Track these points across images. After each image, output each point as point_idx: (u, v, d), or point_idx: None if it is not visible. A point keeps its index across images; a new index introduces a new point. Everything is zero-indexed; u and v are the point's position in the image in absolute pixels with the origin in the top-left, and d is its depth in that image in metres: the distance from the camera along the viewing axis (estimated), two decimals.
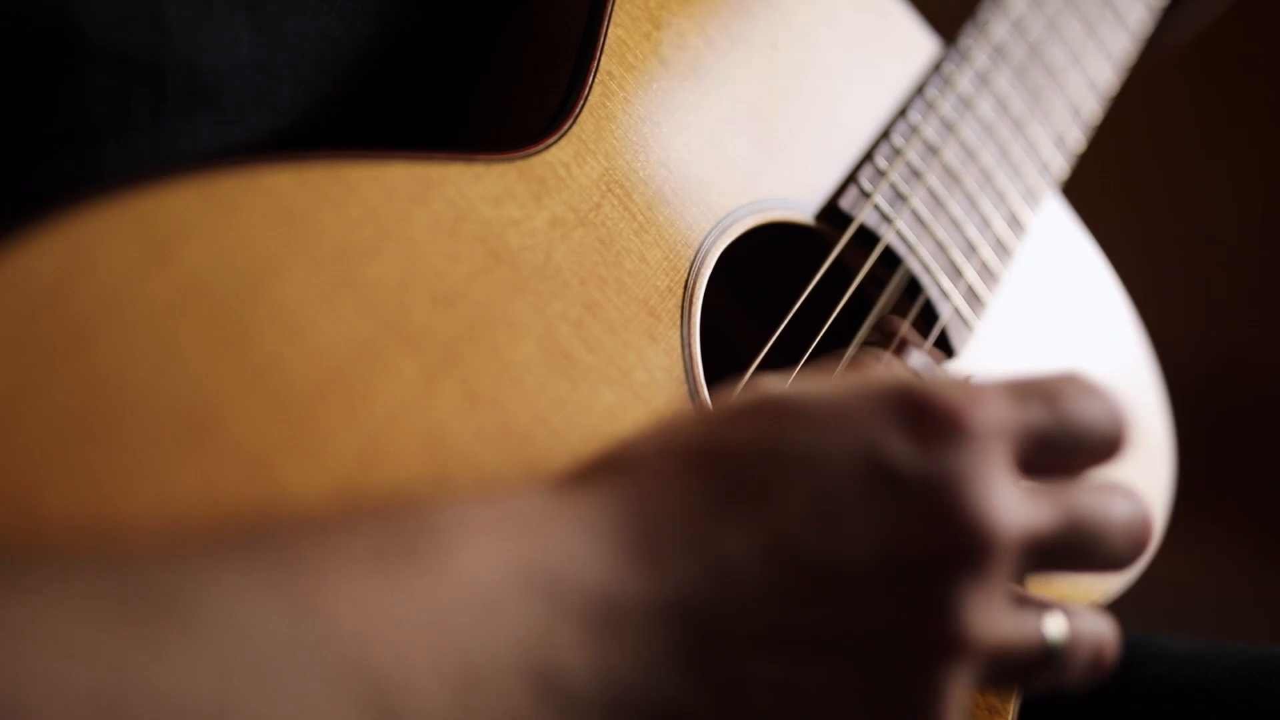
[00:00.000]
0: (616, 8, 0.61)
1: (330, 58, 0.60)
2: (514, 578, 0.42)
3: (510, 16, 0.66)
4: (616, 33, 0.61)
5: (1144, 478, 0.73)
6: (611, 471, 0.47)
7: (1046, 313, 0.73)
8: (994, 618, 0.45)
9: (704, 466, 0.46)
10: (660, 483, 0.46)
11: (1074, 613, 0.49)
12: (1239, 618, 1.82)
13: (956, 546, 0.45)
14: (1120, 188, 2.05)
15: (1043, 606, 0.48)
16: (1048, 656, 0.48)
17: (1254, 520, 1.98)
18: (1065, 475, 0.50)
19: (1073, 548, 0.48)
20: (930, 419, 0.46)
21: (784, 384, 0.49)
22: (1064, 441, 0.49)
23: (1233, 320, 2.06)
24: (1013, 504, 0.46)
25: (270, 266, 0.49)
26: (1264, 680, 0.68)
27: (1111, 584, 0.68)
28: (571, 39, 0.61)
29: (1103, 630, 0.50)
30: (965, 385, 0.47)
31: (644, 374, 0.56)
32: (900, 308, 0.65)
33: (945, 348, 0.66)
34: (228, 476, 0.46)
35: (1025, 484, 0.47)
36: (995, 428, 0.46)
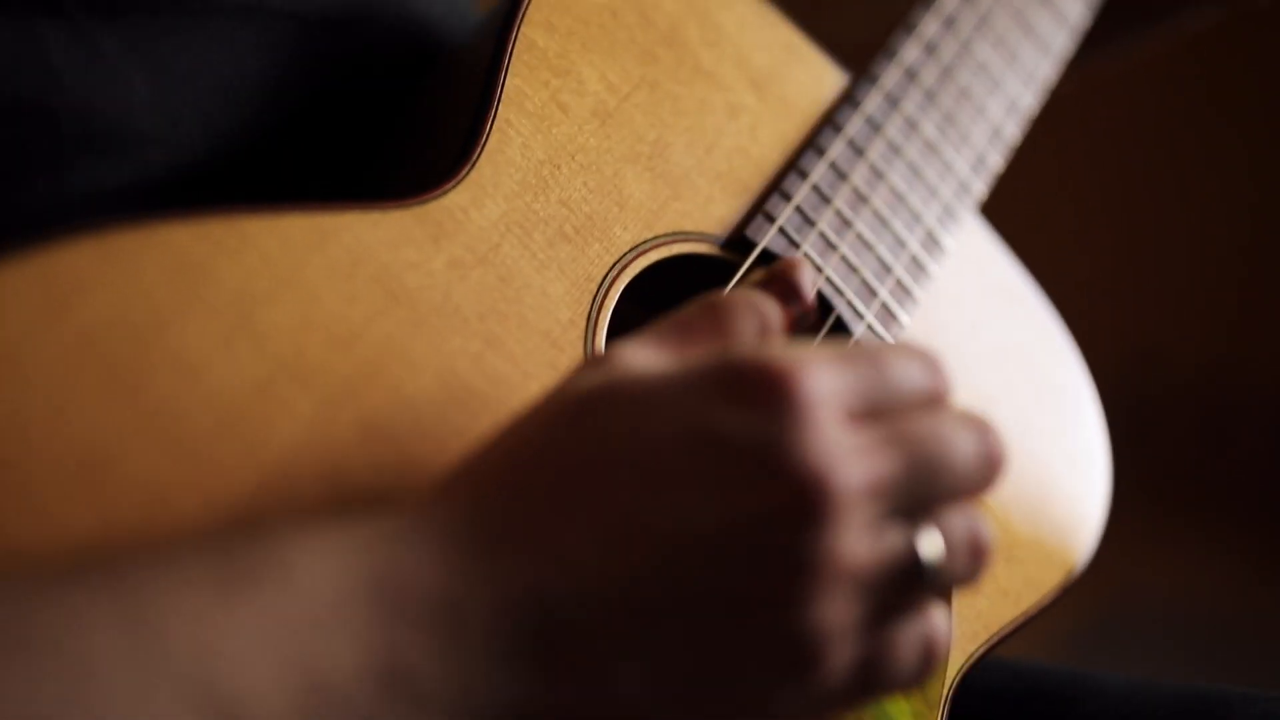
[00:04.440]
0: (514, 58, 0.64)
1: (227, 96, 0.63)
2: (356, 590, 0.44)
3: (417, 66, 0.69)
4: (514, 82, 0.64)
5: (1082, 488, 0.74)
6: (451, 480, 0.49)
7: (970, 332, 0.74)
8: (850, 559, 0.46)
9: (536, 464, 0.48)
10: (494, 484, 0.48)
11: (945, 519, 0.49)
12: (1231, 626, 1.80)
13: (793, 499, 0.45)
14: (1111, 195, 2.05)
15: (912, 525, 0.48)
16: (925, 572, 0.48)
17: (1249, 529, 1.96)
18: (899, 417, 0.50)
19: (923, 481, 0.48)
20: (755, 385, 0.46)
21: (630, 354, 0.51)
22: (890, 401, 0.49)
23: (1226, 328, 2.05)
24: (845, 451, 0.46)
25: (167, 316, 0.52)
26: (1200, 718, 0.68)
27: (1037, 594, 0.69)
28: (473, 90, 0.64)
29: (974, 524, 0.50)
30: (793, 350, 0.48)
31: None
32: (814, 328, 0.67)
33: None
34: (124, 513, 0.49)
35: (863, 433, 0.48)
36: (822, 390, 0.47)
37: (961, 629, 0.67)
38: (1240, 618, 1.81)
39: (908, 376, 0.50)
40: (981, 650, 0.67)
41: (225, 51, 0.62)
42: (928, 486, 0.49)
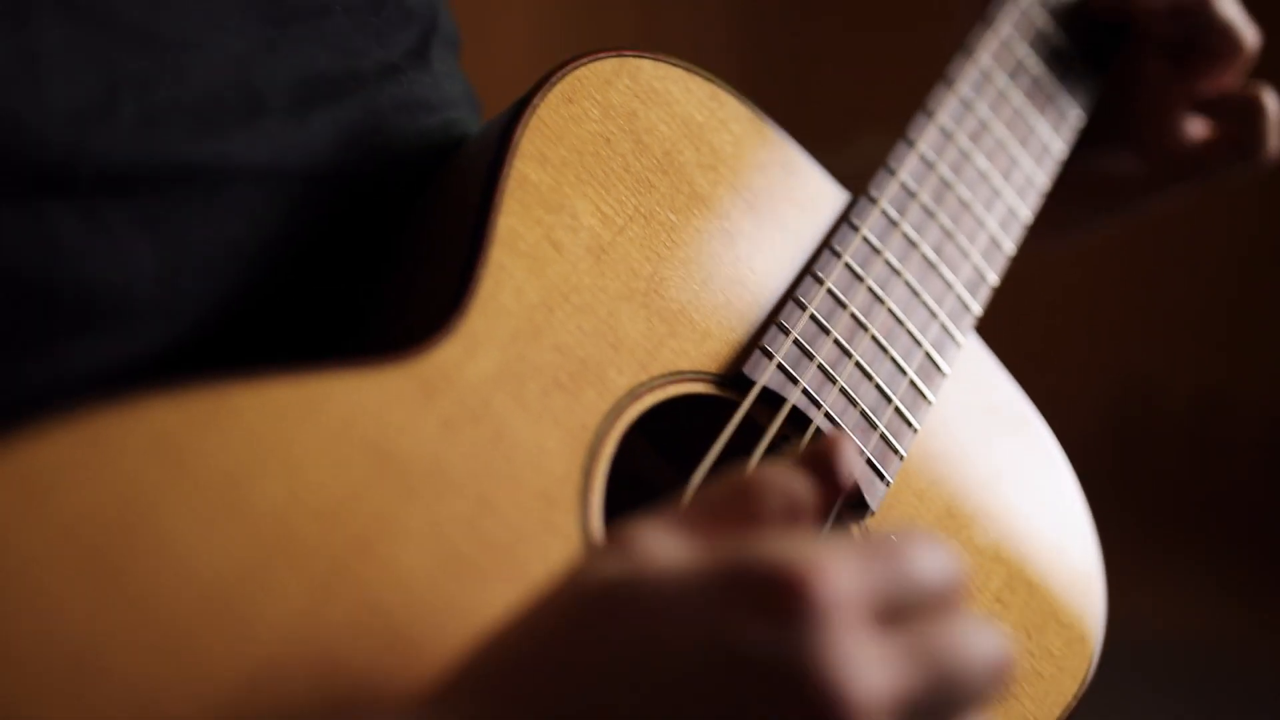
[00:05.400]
0: (507, 196, 0.62)
1: (235, 263, 0.61)
2: None
3: (413, 211, 0.67)
4: (508, 221, 0.62)
5: (1080, 612, 0.72)
6: (455, 682, 0.48)
7: (968, 458, 0.73)
8: None
9: (547, 667, 0.47)
10: (502, 688, 0.46)
11: None
12: (1222, 658, 1.81)
13: (813, 717, 0.44)
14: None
15: None
16: None
17: (1239, 558, 1.96)
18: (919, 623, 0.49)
19: (944, 693, 0.47)
20: (771, 592, 0.45)
21: (652, 541, 0.49)
22: (910, 601, 0.48)
23: (1217, 357, 2.05)
24: (872, 670, 0.45)
25: (149, 500, 0.50)
26: None
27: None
28: (464, 228, 0.62)
29: None
30: (810, 548, 0.46)
31: (541, 566, 0.56)
32: None
33: (860, 504, 0.66)
34: (112, 716, 0.47)
35: (884, 642, 0.46)
36: (841, 594, 0.45)
37: None
38: (1230, 649, 1.82)
39: (927, 573, 0.49)
40: None
41: (238, 219, 0.60)
42: (947, 698, 0.48)
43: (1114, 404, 2.02)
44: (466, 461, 0.57)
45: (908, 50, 2.00)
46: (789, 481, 0.51)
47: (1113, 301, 2.06)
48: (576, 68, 0.66)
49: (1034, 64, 0.84)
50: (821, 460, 0.52)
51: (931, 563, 0.49)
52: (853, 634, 0.45)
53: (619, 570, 0.48)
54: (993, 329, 0.77)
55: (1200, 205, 2.00)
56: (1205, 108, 0.87)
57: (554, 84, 0.66)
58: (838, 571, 0.46)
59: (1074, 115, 0.84)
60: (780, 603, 0.45)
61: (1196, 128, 0.88)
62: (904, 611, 0.48)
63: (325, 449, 0.54)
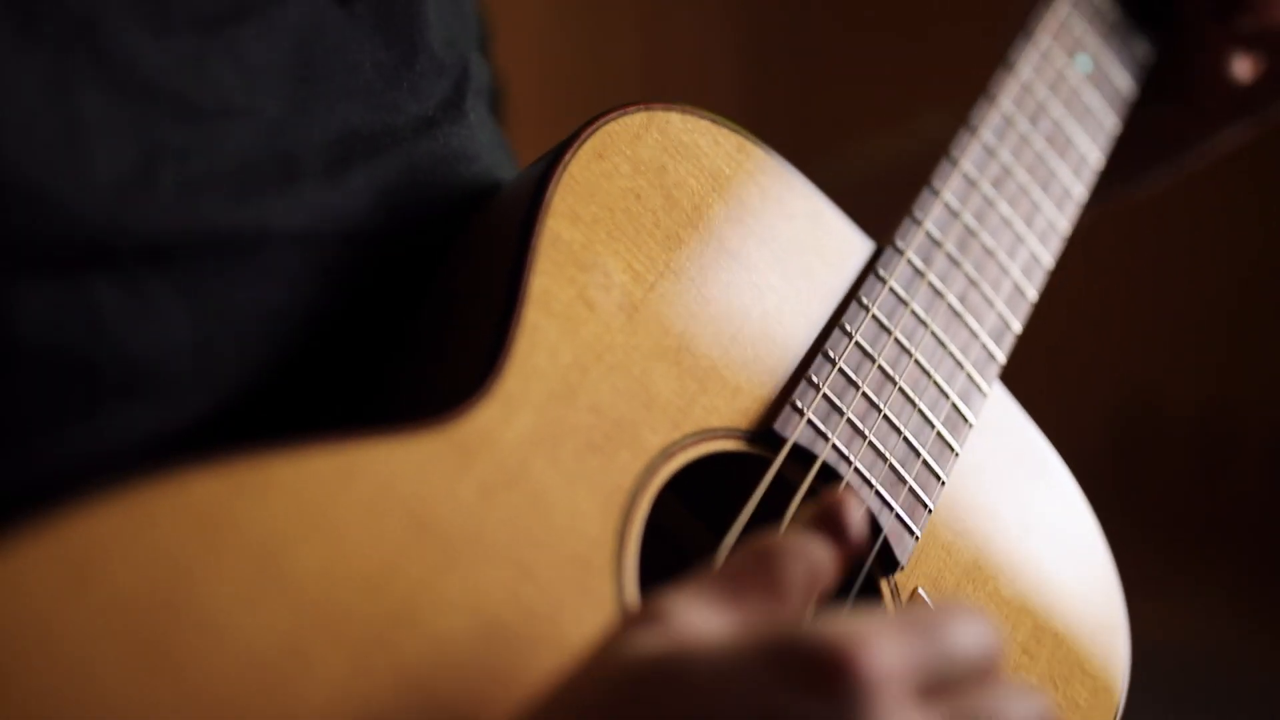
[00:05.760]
0: (540, 255, 0.62)
1: (273, 329, 0.61)
2: None
3: (443, 265, 0.67)
4: (541, 281, 0.62)
5: (1107, 658, 0.73)
6: None
7: (995, 508, 0.73)
8: None
9: None
10: None
11: None
12: (1225, 672, 1.81)
13: None
14: (1106, 232, 2.05)
15: None
16: None
17: (1246, 570, 1.97)
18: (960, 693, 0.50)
19: None
20: (819, 670, 0.47)
21: (683, 612, 0.50)
22: (949, 672, 0.50)
23: (1222, 367, 2.05)
24: None
25: (192, 576, 0.50)
26: None
27: None
28: (497, 289, 0.62)
29: None
30: (852, 625, 0.48)
31: (578, 632, 0.57)
32: None
33: (889, 559, 0.66)
34: None
35: (928, 713, 0.48)
36: (885, 669, 0.47)
37: None
38: (1234, 658, 1.82)
39: (964, 644, 0.50)
40: None
41: (275, 285, 0.60)
42: None
43: (1118, 413, 2.02)
44: (504, 527, 0.57)
45: (910, 54, 2.00)
46: (807, 548, 0.52)
47: (1117, 311, 2.06)
48: (606, 122, 0.66)
49: (1055, 107, 0.84)
50: (830, 521, 0.53)
51: (970, 634, 0.50)
52: (900, 708, 0.47)
53: (659, 645, 0.49)
54: None
55: (1203, 214, 2.00)
56: (1250, 44, 0.87)
57: (585, 140, 0.65)
58: (880, 647, 0.47)
59: (1094, 158, 0.84)
60: (829, 680, 0.46)
61: (1242, 67, 0.88)
62: (945, 683, 0.49)
63: (363, 518, 0.54)
